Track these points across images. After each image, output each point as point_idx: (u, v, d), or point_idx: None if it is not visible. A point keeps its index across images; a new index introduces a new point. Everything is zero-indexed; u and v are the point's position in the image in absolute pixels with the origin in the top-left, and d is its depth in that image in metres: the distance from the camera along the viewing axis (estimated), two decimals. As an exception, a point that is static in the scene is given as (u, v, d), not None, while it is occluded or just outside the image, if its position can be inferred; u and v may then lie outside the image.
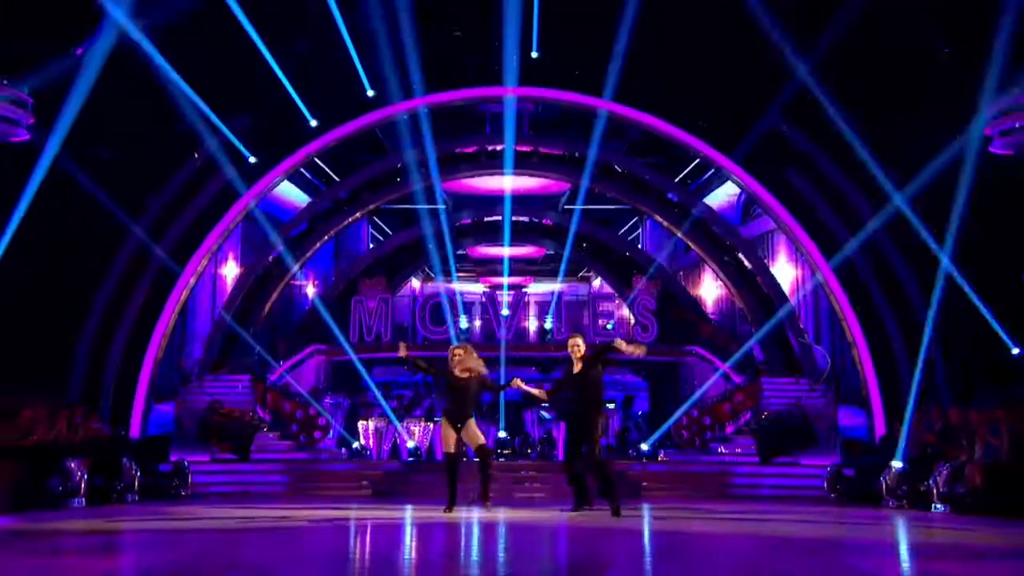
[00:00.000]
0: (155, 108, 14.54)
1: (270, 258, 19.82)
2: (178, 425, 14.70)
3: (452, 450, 8.76)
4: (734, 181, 18.89)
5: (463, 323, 19.81)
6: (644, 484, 14.00)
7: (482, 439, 8.77)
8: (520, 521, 8.15)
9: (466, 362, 8.77)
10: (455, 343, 9.19)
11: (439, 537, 6.89)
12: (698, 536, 7.18)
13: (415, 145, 19.99)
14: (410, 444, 16.67)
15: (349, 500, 11.84)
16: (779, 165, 17.73)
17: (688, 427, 16.16)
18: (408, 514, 9.05)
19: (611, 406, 18.84)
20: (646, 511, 9.94)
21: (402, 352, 9.05)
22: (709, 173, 21.13)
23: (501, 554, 5.77)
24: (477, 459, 8.76)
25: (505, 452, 17.08)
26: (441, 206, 21.36)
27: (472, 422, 8.76)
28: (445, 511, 8.70)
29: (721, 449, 16.03)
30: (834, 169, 16.81)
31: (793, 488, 13.76)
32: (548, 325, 20.47)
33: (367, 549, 6.16)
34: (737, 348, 18.79)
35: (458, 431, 8.73)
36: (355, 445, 16.77)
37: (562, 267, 21.30)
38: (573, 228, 20.49)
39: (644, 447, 16.52)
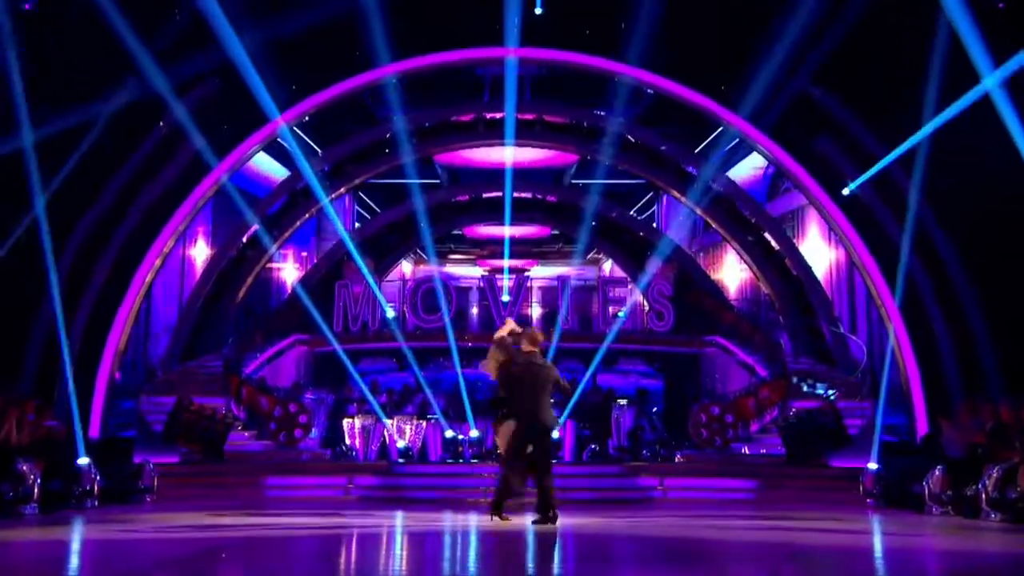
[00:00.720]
0: (115, 70, 14.32)
1: (244, 238, 19.73)
2: (142, 423, 14.60)
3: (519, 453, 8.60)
4: (760, 152, 18.74)
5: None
6: (659, 488, 13.95)
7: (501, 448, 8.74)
8: (520, 529, 8.06)
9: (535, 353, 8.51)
10: (530, 327, 9.05)
11: (431, 549, 6.79)
12: (717, 546, 7.07)
13: (406, 112, 19.83)
14: (400, 444, 16.60)
15: (333, 506, 11.78)
16: (810, 133, 17.54)
17: (708, 425, 16.07)
18: (398, 522, 8.94)
19: (623, 402, 18.75)
20: (660, 518, 9.85)
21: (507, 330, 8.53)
22: (732, 143, 20.96)
23: (500, 567, 5.65)
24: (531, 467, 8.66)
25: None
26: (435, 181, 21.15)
27: (501, 423, 8.65)
28: (500, 516, 8.64)
29: (745, 449, 15.96)
30: (871, 137, 16.62)
31: (825, 492, 13.68)
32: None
33: (352, 564, 6.05)
34: (762, 338, 18.68)
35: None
36: (340, 446, 16.69)
37: (580, 247, 21.07)
38: (588, 206, 20.31)
39: (659, 447, 16.44)
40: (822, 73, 16.84)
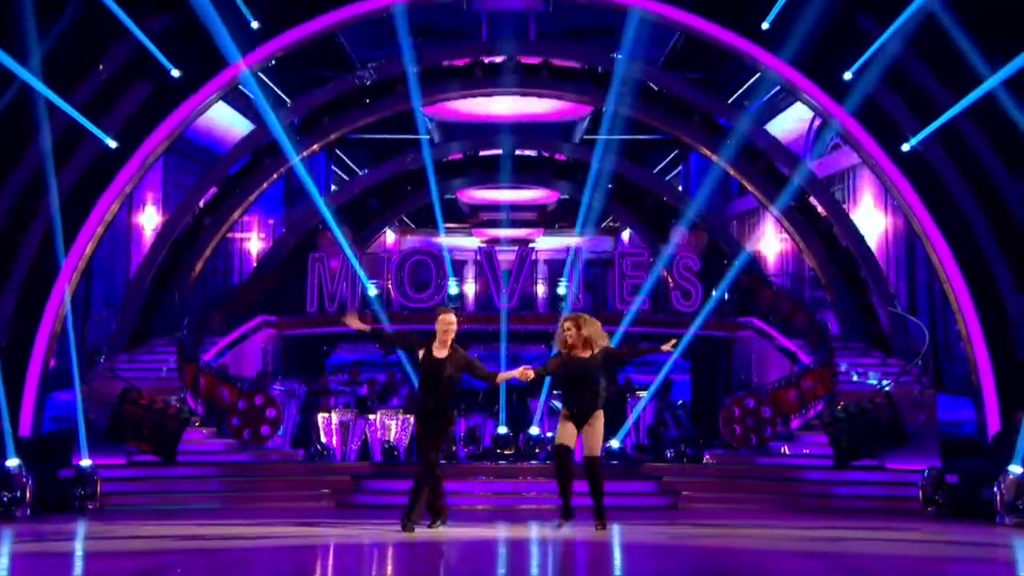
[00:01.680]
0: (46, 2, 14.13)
1: (201, 203, 19.59)
2: (83, 419, 14.51)
3: (568, 442, 8.90)
4: (805, 102, 18.54)
5: (452, 288, 19.60)
6: (684, 493, 13.98)
7: (599, 448, 8.89)
8: (523, 539, 8.00)
9: (585, 336, 8.88)
10: (567, 312, 9.63)
11: (419, 566, 6.71)
12: (755, 562, 6.98)
13: (390, 55, 19.64)
14: (385, 442, 16.57)
15: (306, 514, 11.75)
16: (864, 80, 17.34)
17: (741, 420, 16.04)
18: (382, 533, 8.89)
19: (642, 394, 18.71)
20: (685, 528, 9.81)
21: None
22: (772, 92, 20.76)
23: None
24: (586, 470, 8.96)
25: (507, 453, 16.97)
26: (424, 136, 21.05)
27: (600, 416, 8.84)
28: (558, 526, 8.78)
29: (784, 449, 15.96)
30: (937, 84, 16.43)
31: (878, 499, 13.71)
32: (562, 290, 20.26)
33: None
34: (806, 319, 18.58)
35: (579, 429, 8.85)
36: (314, 445, 16.67)
37: (581, 215, 21.03)
38: (595, 164, 20.18)
39: (684, 446, 16.43)
40: (876, 7, 16.63)
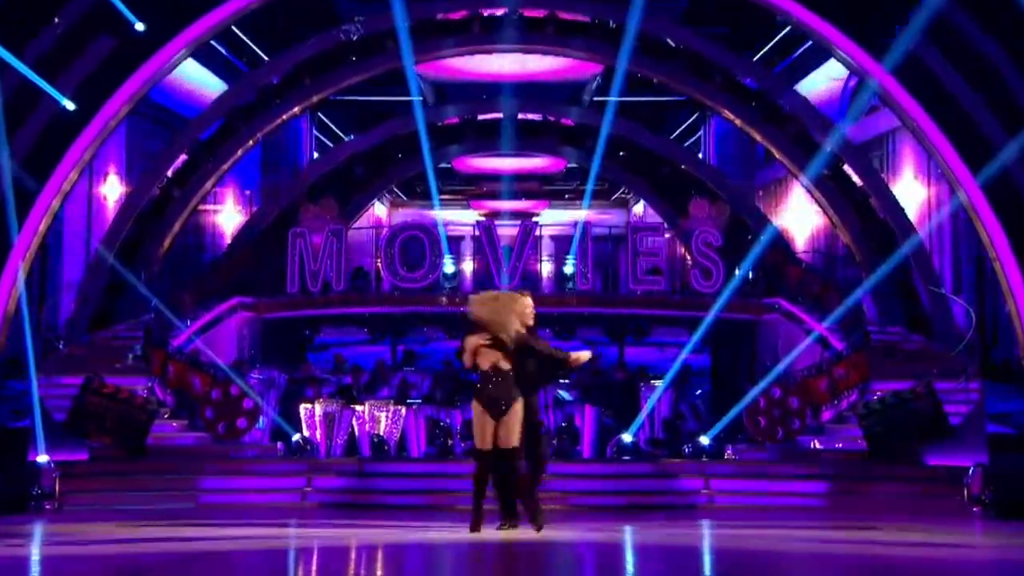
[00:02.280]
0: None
1: (170, 172, 19.59)
2: (40, 411, 14.54)
3: (486, 447, 8.72)
4: (840, 59, 18.48)
5: (448, 266, 19.60)
6: (704, 491, 14.02)
7: (515, 440, 8.66)
8: (524, 540, 7.99)
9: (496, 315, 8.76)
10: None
11: (413, 569, 6.70)
12: (779, 566, 6.96)
13: (379, 7, 19.56)
14: (374, 436, 16.60)
15: (287, 515, 11.77)
16: (905, 35, 17.26)
17: (767, 412, 16.10)
18: (371, 535, 8.87)
19: (657, 383, 18.72)
20: (706, 528, 9.79)
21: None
22: (803, 48, 20.64)
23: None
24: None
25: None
26: (417, 98, 20.98)
27: (517, 410, 8.67)
28: (471, 530, 8.74)
29: (815, 443, 16.01)
30: (985, 38, 16.34)
31: (919, 497, 13.72)
32: (569, 268, 20.24)
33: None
34: (839, 300, 18.56)
35: (496, 421, 8.69)
36: (295, 437, 16.72)
37: (589, 185, 21.00)
38: (605, 129, 20.12)
39: (704, 440, 16.47)
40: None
